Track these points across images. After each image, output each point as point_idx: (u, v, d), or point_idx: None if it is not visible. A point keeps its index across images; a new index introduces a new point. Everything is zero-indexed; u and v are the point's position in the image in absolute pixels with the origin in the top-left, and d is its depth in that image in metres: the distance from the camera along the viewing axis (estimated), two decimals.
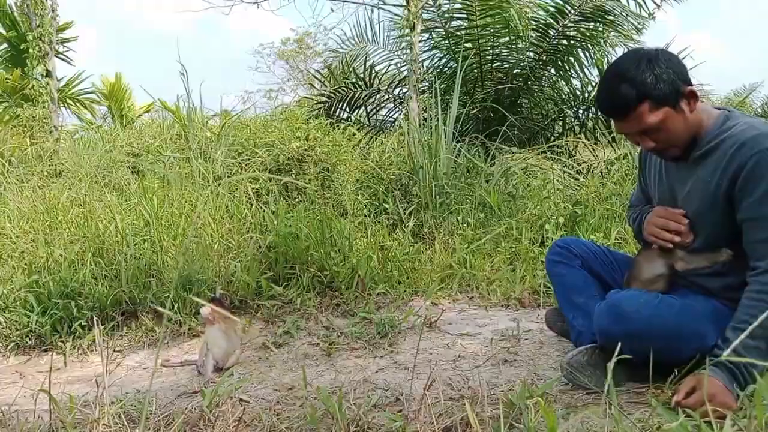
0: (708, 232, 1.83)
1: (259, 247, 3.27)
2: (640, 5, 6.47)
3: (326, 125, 4.79)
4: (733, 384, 1.62)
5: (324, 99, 7.65)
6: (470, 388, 1.97)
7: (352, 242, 3.29)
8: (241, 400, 2.02)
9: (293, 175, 4.29)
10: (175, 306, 2.84)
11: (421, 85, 6.13)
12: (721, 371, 1.63)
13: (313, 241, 3.19)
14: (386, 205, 3.88)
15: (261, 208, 3.77)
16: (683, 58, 5.47)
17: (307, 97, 8.28)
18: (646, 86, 1.68)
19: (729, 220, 1.76)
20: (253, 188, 4.06)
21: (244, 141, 4.79)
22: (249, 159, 4.56)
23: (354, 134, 5.23)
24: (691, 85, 1.76)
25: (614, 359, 1.28)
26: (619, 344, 1.78)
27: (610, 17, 6.48)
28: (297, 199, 4.15)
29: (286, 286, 3.05)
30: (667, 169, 1.97)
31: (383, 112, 8.19)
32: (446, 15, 6.93)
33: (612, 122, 1.93)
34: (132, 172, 5.24)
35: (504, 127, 5.89)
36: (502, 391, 1.92)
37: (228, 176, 4.38)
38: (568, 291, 2.19)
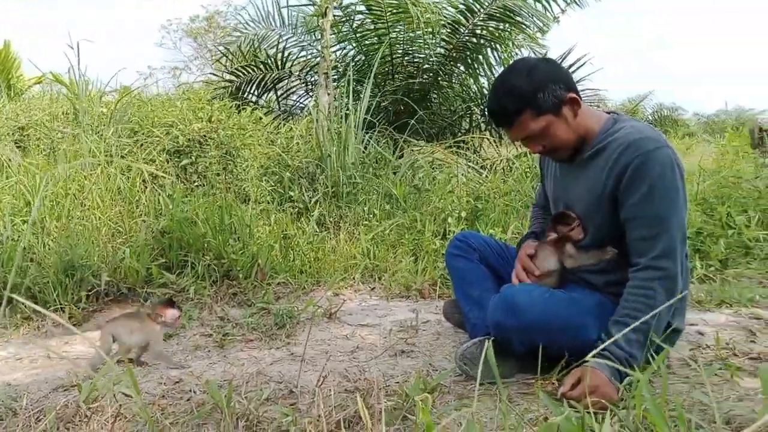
0: (596, 230, 1.92)
1: (152, 232, 3.09)
2: (545, 8, 6.71)
3: (231, 107, 4.60)
4: (616, 375, 1.69)
5: (231, 78, 7.40)
6: (366, 380, 1.95)
7: (252, 230, 3.19)
8: (123, 394, 1.89)
9: (193, 157, 4.09)
10: (56, 292, 2.63)
11: (332, 73, 6.07)
12: (604, 364, 1.70)
13: (210, 227, 3.06)
14: (291, 193, 3.79)
15: (156, 191, 3.58)
16: (582, 64, 5.73)
17: (213, 74, 7.95)
18: (526, 97, 1.77)
19: (614, 219, 1.84)
20: (148, 170, 3.83)
21: (141, 120, 4.52)
22: (146, 139, 4.31)
23: (261, 118, 5.06)
24: (575, 91, 1.83)
25: (482, 352, 1.26)
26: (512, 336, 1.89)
27: (518, 18, 6.68)
28: (196, 183, 3.97)
29: (180, 274, 2.91)
30: (561, 169, 2.05)
31: (294, 97, 8.06)
32: (352, 10, 6.90)
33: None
34: (17, 146, 4.82)
35: (413, 121, 5.96)
36: (398, 382, 1.91)
37: (122, 156, 4.12)
38: (465, 284, 2.23)
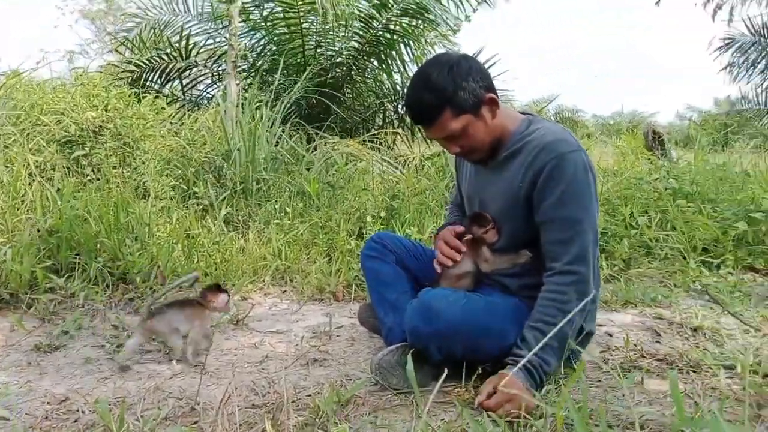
0: (510, 233, 1.90)
1: (38, 231, 2.79)
2: (458, 6, 6.77)
3: (130, 95, 4.27)
4: (531, 382, 1.67)
5: (131, 67, 6.95)
6: (276, 393, 1.82)
7: (152, 229, 2.95)
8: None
9: (87, 149, 3.76)
10: None
11: (241, 63, 5.82)
12: (520, 371, 1.68)
13: (105, 226, 2.80)
14: (196, 189, 3.55)
15: (44, 185, 3.24)
16: (493, 64, 5.81)
17: (112, 64, 7.44)
18: (446, 95, 1.72)
19: (529, 222, 1.83)
20: (35, 161, 3.48)
21: (28, 107, 4.10)
22: (34, 128, 3.92)
23: (163, 108, 4.75)
24: (494, 91, 1.79)
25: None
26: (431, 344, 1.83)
27: (430, 16, 6.70)
28: (90, 177, 3.65)
29: (69, 277, 2.64)
30: (477, 170, 2.02)
31: (201, 87, 7.70)
32: None
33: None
34: None
35: (327, 116, 5.84)
36: (309, 395, 1.80)
37: (5, 146, 3.72)
38: (380, 286, 2.15)
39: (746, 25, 9.83)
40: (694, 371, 1.94)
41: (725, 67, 10.30)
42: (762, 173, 4.33)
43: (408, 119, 7.22)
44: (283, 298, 2.85)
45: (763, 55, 9.80)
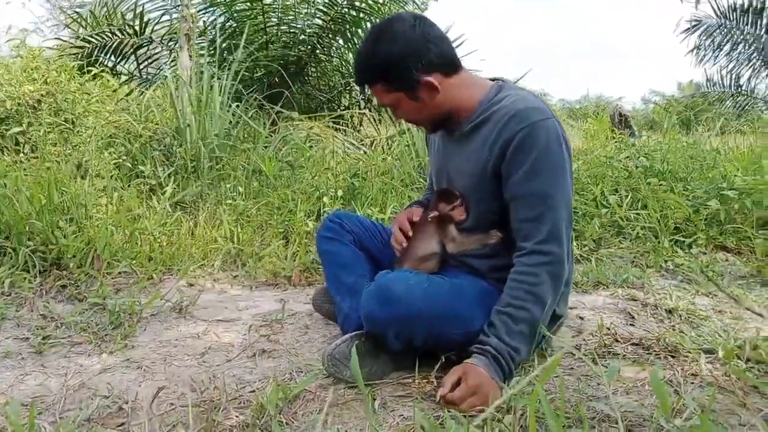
0: (479, 211, 1.73)
1: None
2: None
3: (73, 68, 3.97)
4: (499, 373, 1.51)
5: (81, 44, 6.57)
6: (216, 389, 1.63)
7: (89, 210, 2.70)
8: None
9: (25, 125, 3.47)
10: None
11: (198, 39, 5.52)
12: (486, 359, 1.52)
13: (36, 207, 2.55)
14: (142, 168, 3.30)
15: None
16: (460, 44, 5.60)
17: (61, 39, 7.04)
18: (378, 70, 1.62)
19: (499, 199, 1.66)
20: None
21: None
22: None
23: (110, 82, 4.44)
24: (441, 72, 1.63)
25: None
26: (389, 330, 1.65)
27: None
28: (27, 156, 3.36)
29: None
30: (443, 142, 1.86)
31: (158, 65, 7.34)
32: None
33: None
34: None
35: (290, 95, 5.59)
36: (253, 391, 1.61)
37: None
38: (337, 269, 1.97)
39: (712, 7, 9.83)
40: (672, 356, 1.81)
41: (692, 50, 10.28)
42: (732, 151, 4.26)
43: (375, 99, 7.03)
44: (234, 284, 2.63)
45: (728, 37, 9.82)
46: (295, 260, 2.78)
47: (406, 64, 1.58)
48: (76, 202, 2.68)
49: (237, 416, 1.46)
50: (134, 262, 2.62)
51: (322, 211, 3.23)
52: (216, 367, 1.79)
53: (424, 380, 1.64)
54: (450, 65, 1.65)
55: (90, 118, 3.58)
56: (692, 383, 1.62)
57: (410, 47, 1.58)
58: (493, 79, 1.80)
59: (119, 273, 2.54)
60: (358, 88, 5.36)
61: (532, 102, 1.63)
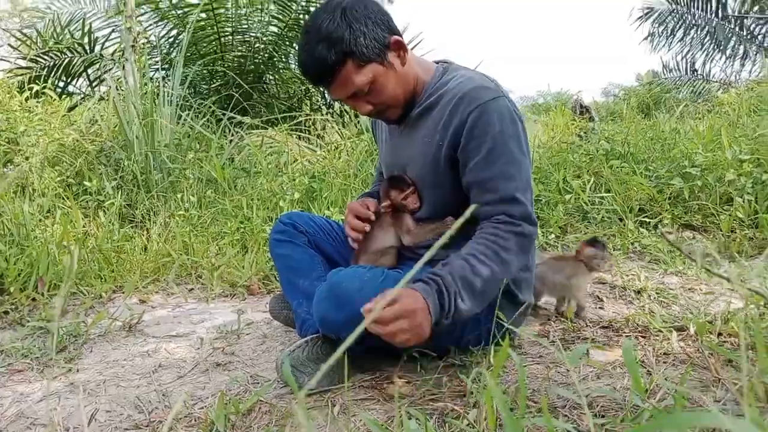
0: (433, 200, 1.65)
1: None
2: None
3: (12, 85, 3.79)
4: (437, 310, 1.36)
5: (30, 64, 6.35)
6: (165, 408, 1.52)
7: (30, 230, 2.55)
8: None
9: None
10: None
11: (153, 55, 5.38)
12: (430, 289, 1.37)
13: None
14: (88, 184, 3.14)
15: None
16: (421, 41, 5.56)
17: (6, 60, 6.80)
18: (345, 43, 1.44)
19: (454, 184, 1.58)
20: None
21: None
22: None
23: (54, 100, 4.27)
24: (398, 34, 1.54)
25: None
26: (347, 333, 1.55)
27: None
28: None
29: None
30: (391, 133, 1.78)
31: (109, 82, 7.14)
32: None
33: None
34: None
35: (249, 106, 5.47)
36: (203, 407, 1.49)
37: None
38: (292, 273, 1.86)
39: None
40: (643, 336, 1.75)
41: (646, 37, 10.45)
42: (692, 129, 4.27)
43: (337, 105, 6.94)
44: (189, 298, 2.51)
45: (680, 23, 9.99)
46: (252, 268, 2.66)
47: (370, 24, 1.47)
48: (17, 222, 2.53)
49: None
50: (82, 282, 2.48)
51: (279, 215, 3.12)
52: (167, 385, 1.67)
53: (387, 381, 1.55)
54: (401, 37, 1.56)
55: (32, 136, 3.41)
56: (665, 362, 1.56)
57: (366, 11, 1.48)
58: (437, 62, 1.72)
59: (64, 294, 2.39)
60: (318, 87, 5.21)
61: (480, 81, 1.55)
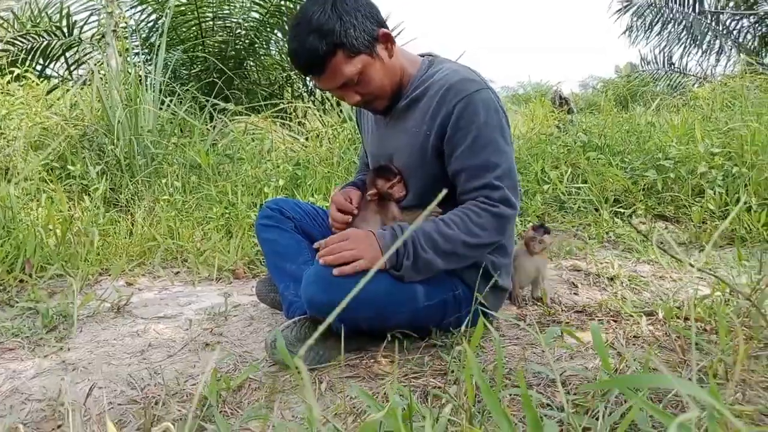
0: (419, 186, 1.72)
1: None
2: None
3: None
4: (392, 258, 1.52)
5: (6, 47, 6.26)
6: (157, 385, 1.57)
7: (16, 213, 2.57)
8: None
9: None
10: None
11: (133, 40, 5.33)
12: (383, 232, 1.56)
13: None
14: (72, 168, 3.15)
15: None
16: (402, 30, 5.59)
17: None
18: (336, 35, 1.49)
19: (440, 173, 1.65)
20: None
21: None
22: None
23: (35, 83, 4.23)
24: (386, 27, 1.59)
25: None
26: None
27: None
28: None
29: None
30: (377, 124, 1.84)
31: (88, 66, 7.07)
32: None
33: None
34: None
35: (230, 92, 5.46)
36: (195, 385, 1.55)
37: None
38: (278, 257, 1.92)
39: None
40: (615, 321, 1.84)
41: (625, 31, 10.62)
42: (667, 123, 4.39)
43: (318, 92, 6.95)
44: (175, 281, 2.55)
45: (658, 17, 10.15)
46: (238, 253, 2.71)
47: (360, 17, 1.52)
48: (2, 206, 2.54)
49: (179, 410, 1.41)
50: (68, 264, 2.51)
51: (263, 202, 3.17)
52: (157, 363, 1.73)
53: (372, 360, 1.62)
54: (388, 30, 1.62)
55: (14, 120, 3.40)
56: (634, 344, 1.65)
57: (358, 2, 1.53)
58: (422, 55, 1.78)
59: (51, 276, 2.42)
60: (305, 76, 5.23)
61: (465, 74, 1.62)
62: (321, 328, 0.49)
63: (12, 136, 3.26)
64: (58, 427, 1.40)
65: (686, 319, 1.79)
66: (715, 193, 3.08)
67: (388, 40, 1.60)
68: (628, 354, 1.51)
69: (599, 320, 1.85)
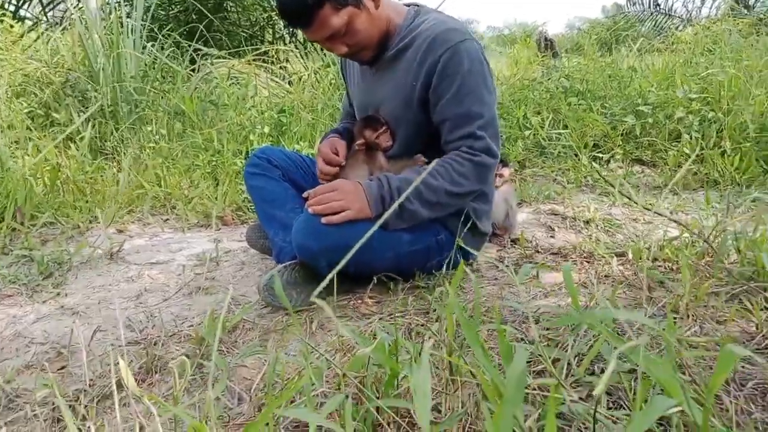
0: (405, 136, 1.78)
1: None
2: None
3: None
4: (378, 204, 1.62)
5: None
6: (155, 327, 1.66)
7: (4, 162, 2.58)
8: None
9: None
10: None
11: None
12: (370, 183, 1.64)
13: None
14: (56, 115, 3.14)
15: None
16: None
17: None
18: None
19: (425, 123, 1.71)
20: None
21: None
22: None
23: (12, 28, 4.14)
24: None
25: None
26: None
27: None
28: None
29: None
30: (364, 72, 1.87)
31: (62, 7, 6.85)
32: None
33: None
34: None
35: (210, 34, 5.36)
36: (191, 326, 1.64)
37: None
38: (267, 205, 1.98)
39: None
40: (588, 261, 1.94)
41: None
42: (648, 68, 4.43)
43: (300, 34, 6.82)
44: (165, 228, 2.61)
45: None
46: (225, 200, 2.77)
47: None
48: None
49: (177, 350, 1.50)
50: (58, 212, 2.55)
51: (249, 149, 3.20)
52: (153, 306, 1.81)
53: (359, 301, 1.72)
54: None
55: None
56: (604, 283, 1.76)
57: None
58: (407, 5, 1.81)
59: (43, 224, 2.47)
60: (290, 26, 5.14)
61: (451, 24, 1.66)
62: (331, 274, 0.56)
63: None
64: (62, 368, 1.49)
65: (654, 259, 1.90)
66: (691, 138, 3.17)
67: None
68: (597, 293, 1.62)
69: (573, 261, 1.95)
